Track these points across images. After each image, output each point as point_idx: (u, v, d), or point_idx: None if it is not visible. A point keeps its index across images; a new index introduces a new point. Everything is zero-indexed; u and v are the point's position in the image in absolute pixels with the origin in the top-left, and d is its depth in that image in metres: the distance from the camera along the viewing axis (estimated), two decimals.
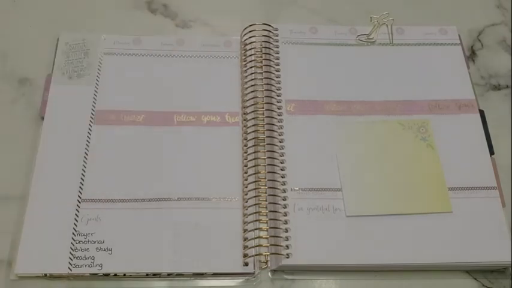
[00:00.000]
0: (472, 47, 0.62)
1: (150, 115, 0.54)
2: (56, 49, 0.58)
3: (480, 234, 0.48)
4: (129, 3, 0.64)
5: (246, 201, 0.49)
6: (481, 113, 0.55)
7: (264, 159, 0.51)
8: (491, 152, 0.53)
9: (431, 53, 0.58)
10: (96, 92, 0.55)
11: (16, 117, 0.55)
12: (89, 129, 0.53)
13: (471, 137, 0.53)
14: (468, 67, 0.58)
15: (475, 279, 0.48)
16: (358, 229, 0.48)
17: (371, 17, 0.59)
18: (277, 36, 0.58)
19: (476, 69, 0.60)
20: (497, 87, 0.59)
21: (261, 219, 0.48)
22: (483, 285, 0.48)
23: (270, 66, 0.56)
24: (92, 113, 0.54)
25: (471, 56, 0.61)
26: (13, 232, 0.48)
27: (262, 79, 0.55)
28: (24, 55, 0.59)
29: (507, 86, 0.60)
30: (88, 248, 0.47)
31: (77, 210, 0.49)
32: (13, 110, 0.56)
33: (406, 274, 0.48)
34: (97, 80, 0.56)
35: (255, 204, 0.49)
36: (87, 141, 0.52)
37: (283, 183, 0.50)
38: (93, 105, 0.54)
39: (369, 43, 0.59)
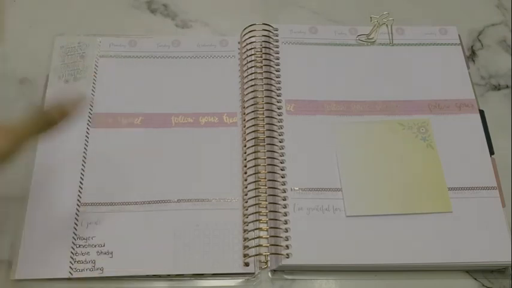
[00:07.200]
0: (472, 47, 0.62)
1: (148, 117, 0.54)
2: (52, 53, 0.57)
3: (480, 234, 0.48)
4: (129, 3, 0.64)
5: (246, 202, 0.49)
6: (481, 113, 0.55)
7: (264, 159, 0.51)
8: (491, 152, 0.53)
9: (431, 53, 0.58)
10: (93, 95, 0.55)
11: (16, 117, 0.55)
12: (87, 132, 0.53)
13: (471, 137, 0.53)
14: (468, 67, 0.58)
15: (475, 279, 0.48)
16: (358, 229, 0.48)
17: (371, 17, 0.59)
18: (277, 36, 0.58)
19: (476, 69, 0.60)
20: (497, 87, 0.59)
21: (261, 219, 0.48)
22: (483, 285, 0.48)
23: (269, 66, 0.56)
24: (89, 116, 0.54)
25: (471, 56, 0.61)
26: (13, 232, 0.48)
27: (262, 79, 0.55)
28: (24, 55, 0.59)
29: (507, 86, 0.60)
30: (89, 252, 0.47)
31: (76, 214, 0.49)
32: (13, 110, 0.56)
33: (406, 274, 0.48)
34: (93, 83, 0.56)
35: (255, 204, 0.49)
36: (85, 144, 0.52)
37: (283, 183, 0.50)
38: (90, 109, 0.54)
39: (369, 43, 0.59)
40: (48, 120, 0.41)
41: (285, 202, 0.49)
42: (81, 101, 0.43)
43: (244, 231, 0.48)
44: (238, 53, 0.58)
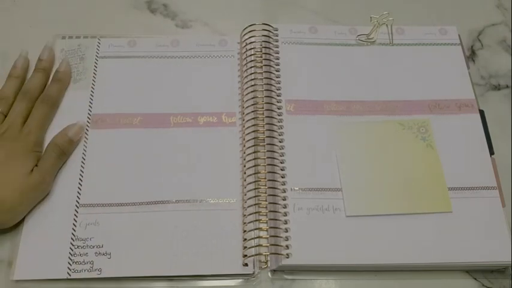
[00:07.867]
0: (472, 47, 0.62)
1: (147, 117, 0.54)
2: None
3: (480, 234, 0.48)
4: (129, 3, 0.64)
5: (246, 202, 0.49)
6: (481, 113, 0.55)
7: (264, 159, 0.51)
8: (491, 152, 0.53)
9: (431, 53, 0.58)
10: (92, 96, 0.55)
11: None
12: (86, 133, 0.53)
13: (471, 137, 0.53)
14: (468, 67, 0.58)
15: (475, 279, 0.48)
16: (358, 229, 0.48)
17: (371, 17, 0.59)
18: (277, 36, 0.58)
19: (476, 69, 0.60)
20: (497, 87, 0.59)
21: (260, 219, 0.48)
22: (483, 285, 0.48)
23: (269, 66, 0.56)
24: (89, 117, 0.54)
25: (471, 56, 0.61)
26: (13, 232, 0.48)
27: (262, 79, 0.55)
28: None
29: (507, 86, 0.60)
30: (87, 253, 0.47)
31: (75, 215, 0.49)
32: None
33: (406, 274, 0.48)
34: (93, 84, 0.56)
35: (255, 205, 0.49)
36: (84, 145, 0.52)
37: (283, 183, 0.50)
38: (89, 109, 0.54)
39: (369, 43, 0.59)
40: (61, 151, 0.50)
41: (284, 202, 0.49)
42: (82, 127, 0.52)
43: (244, 231, 0.48)
44: (238, 53, 0.58)
